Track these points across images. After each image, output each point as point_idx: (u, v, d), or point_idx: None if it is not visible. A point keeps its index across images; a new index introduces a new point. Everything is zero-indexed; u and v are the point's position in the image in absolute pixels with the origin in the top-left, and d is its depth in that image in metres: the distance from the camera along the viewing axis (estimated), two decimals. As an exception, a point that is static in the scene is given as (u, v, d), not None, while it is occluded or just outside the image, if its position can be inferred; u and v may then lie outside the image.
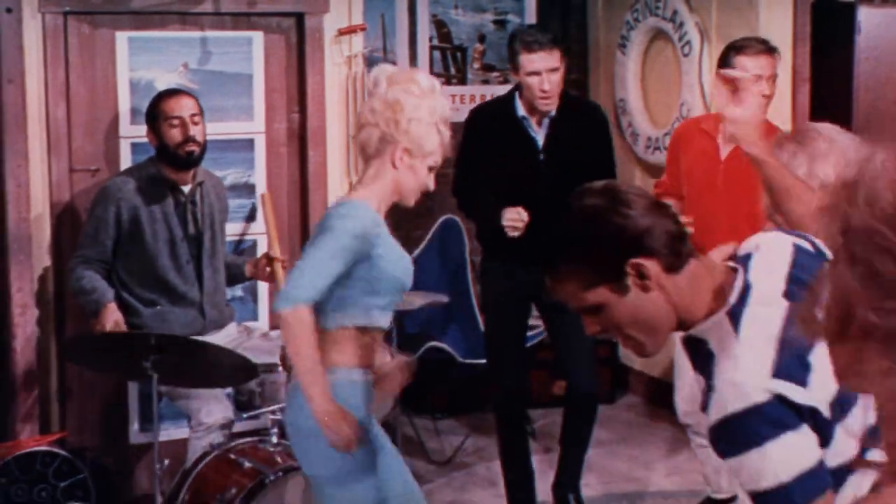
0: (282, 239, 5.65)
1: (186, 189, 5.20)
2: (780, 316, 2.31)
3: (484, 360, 5.73)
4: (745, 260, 2.45)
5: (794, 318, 2.27)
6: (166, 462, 4.64)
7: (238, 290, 5.72)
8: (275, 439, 4.69)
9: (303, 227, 5.80)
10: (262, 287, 5.80)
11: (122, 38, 5.64)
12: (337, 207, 3.77)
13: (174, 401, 5.14)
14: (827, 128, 3.25)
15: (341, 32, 5.88)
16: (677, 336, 2.45)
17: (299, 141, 5.94)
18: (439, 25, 7.33)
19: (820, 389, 2.24)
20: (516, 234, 5.06)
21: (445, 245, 7.04)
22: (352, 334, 3.76)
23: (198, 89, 5.55)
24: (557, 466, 5.53)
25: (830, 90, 7.85)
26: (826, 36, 7.68)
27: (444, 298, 5.59)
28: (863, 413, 2.26)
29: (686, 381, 5.02)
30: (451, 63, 7.37)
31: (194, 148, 5.14)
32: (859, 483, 2.23)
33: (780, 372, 2.25)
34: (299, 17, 5.88)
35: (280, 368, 4.76)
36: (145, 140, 5.26)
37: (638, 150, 6.96)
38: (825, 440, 2.26)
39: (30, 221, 5.48)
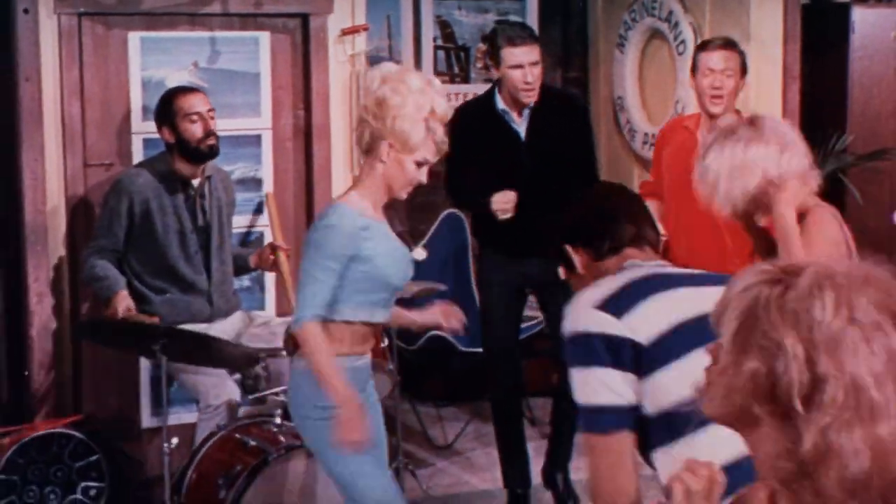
0: (287, 230, 5.79)
1: (196, 183, 5.30)
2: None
3: (480, 349, 5.85)
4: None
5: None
6: (174, 440, 4.72)
7: (245, 280, 5.83)
8: (278, 420, 4.81)
9: (308, 218, 5.87)
10: (269, 277, 5.90)
11: (134, 38, 5.71)
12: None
13: (183, 386, 5.27)
14: (776, 119, 3.47)
15: (344, 32, 5.95)
16: None
17: (304, 136, 6.00)
18: (443, 26, 7.43)
19: (643, 324, 2.58)
20: (507, 216, 5.19)
21: (448, 239, 7.14)
22: (346, 327, 3.93)
23: (207, 87, 5.63)
24: (548, 448, 5.67)
25: (825, 89, 7.95)
26: (820, 35, 7.77)
27: (440, 286, 5.72)
28: None
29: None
30: (455, 62, 7.48)
31: (214, 141, 5.26)
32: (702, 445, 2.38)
33: (600, 304, 2.62)
34: (304, 18, 5.94)
35: (283, 353, 4.85)
36: (157, 136, 5.34)
37: (635, 145, 7.10)
38: (646, 371, 2.56)
39: (46, 213, 5.55)
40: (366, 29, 6.06)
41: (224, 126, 5.54)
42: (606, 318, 2.64)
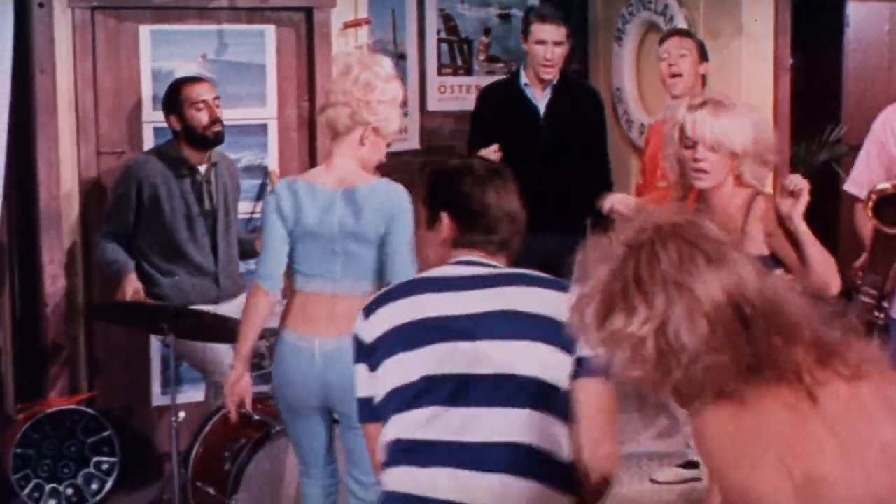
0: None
1: (203, 169, 5.42)
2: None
3: None
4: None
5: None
6: (182, 414, 4.78)
7: (251, 264, 5.84)
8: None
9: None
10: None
11: (145, 31, 5.82)
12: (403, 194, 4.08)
13: (192, 365, 5.38)
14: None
15: (347, 26, 6.06)
16: None
17: (309, 126, 6.11)
18: (446, 19, 7.48)
19: (373, 326, 2.70)
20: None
21: None
22: (294, 297, 4.14)
23: (215, 78, 5.74)
24: None
25: (821, 81, 8.10)
26: (816, 29, 7.90)
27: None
28: None
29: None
30: (458, 55, 7.54)
31: (220, 128, 5.38)
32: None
33: (366, 308, 2.77)
34: (308, 12, 6.04)
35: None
36: (166, 124, 5.44)
37: (633, 135, 7.21)
38: (372, 367, 2.71)
39: (60, 199, 5.67)
40: (367, 22, 6.16)
41: (231, 116, 5.65)
42: (360, 320, 2.79)
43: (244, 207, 5.90)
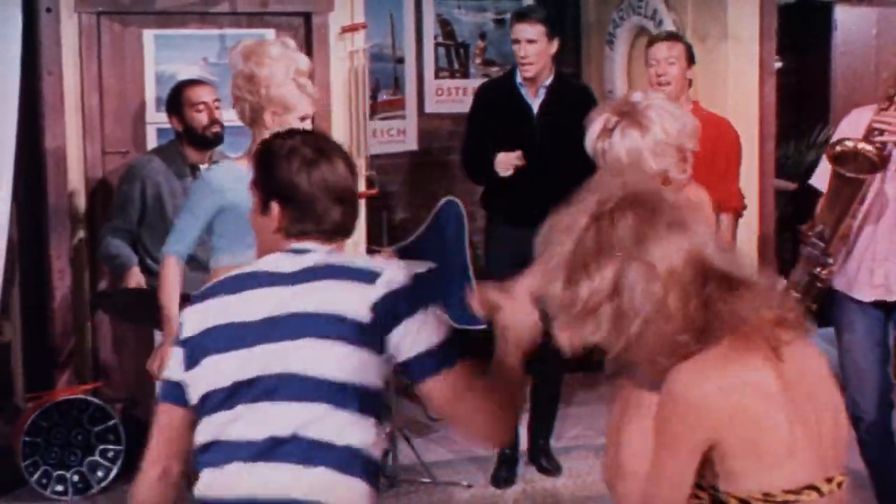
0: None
1: (203, 168, 5.45)
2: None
3: (479, 327, 6.05)
4: None
5: None
6: None
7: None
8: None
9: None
10: (274, 256, 6.15)
11: (148, 35, 5.94)
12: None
13: None
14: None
15: (344, 30, 6.14)
16: None
17: None
18: (443, 24, 7.60)
19: (200, 321, 2.70)
20: (507, 173, 5.48)
21: (445, 225, 7.18)
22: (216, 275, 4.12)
23: (216, 81, 5.80)
24: (528, 424, 5.87)
25: (810, 83, 8.22)
26: (805, 33, 8.01)
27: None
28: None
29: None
30: (455, 58, 7.67)
31: (219, 129, 5.51)
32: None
33: (195, 296, 2.79)
34: (307, 16, 6.12)
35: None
36: (169, 125, 5.56)
37: (624, 137, 7.37)
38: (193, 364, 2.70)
39: (67, 197, 5.77)
40: (364, 27, 6.23)
41: (232, 117, 5.51)
42: (189, 307, 2.77)
43: (244, 205, 5.99)
